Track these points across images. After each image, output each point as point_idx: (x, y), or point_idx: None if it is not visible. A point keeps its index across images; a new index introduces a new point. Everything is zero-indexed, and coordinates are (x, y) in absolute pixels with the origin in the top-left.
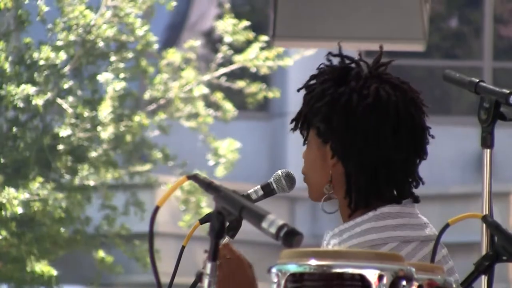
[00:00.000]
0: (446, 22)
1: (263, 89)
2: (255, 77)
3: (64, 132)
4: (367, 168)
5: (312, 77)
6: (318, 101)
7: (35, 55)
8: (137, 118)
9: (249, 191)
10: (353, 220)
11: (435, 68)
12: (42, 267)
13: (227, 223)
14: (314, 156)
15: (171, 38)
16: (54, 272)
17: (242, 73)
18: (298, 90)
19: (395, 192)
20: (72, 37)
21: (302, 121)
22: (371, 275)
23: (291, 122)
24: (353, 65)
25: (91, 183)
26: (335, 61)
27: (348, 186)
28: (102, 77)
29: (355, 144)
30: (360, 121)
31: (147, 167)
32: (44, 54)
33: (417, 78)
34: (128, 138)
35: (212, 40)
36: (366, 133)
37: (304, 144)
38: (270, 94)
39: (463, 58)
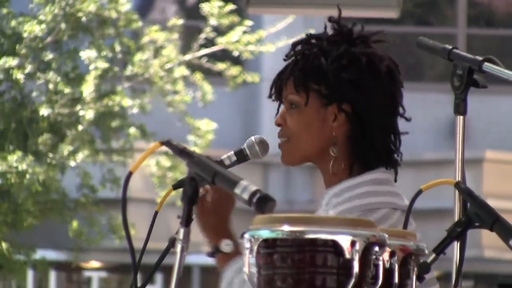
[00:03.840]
0: None
1: (243, 73)
2: (230, 55)
3: (45, 111)
4: (381, 130)
5: (302, 41)
6: (329, 63)
7: (19, 27)
8: (117, 98)
9: (222, 157)
10: (353, 179)
11: (409, 35)
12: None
13: (200, 189)
14: (311, 119)
15: (145, 3)
16: (31, 241)
17: (220, 53)
18: (287, 56)
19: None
20: (55, 10)
21: (297, 85)
22: (344, 241)
23: (277, 87)
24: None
25: (72, 163)
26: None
27: (356, 147)
28: (84, 54)
29: (373, 106)
30: (375, 82)
31: (125, 144)
32: (28, 27)
33: (390, 45)
34: (110, 119)
35: (186, 8)
36: (381, 96)
37: (291, 108)
38: (249, 78)
39: (437, 25)
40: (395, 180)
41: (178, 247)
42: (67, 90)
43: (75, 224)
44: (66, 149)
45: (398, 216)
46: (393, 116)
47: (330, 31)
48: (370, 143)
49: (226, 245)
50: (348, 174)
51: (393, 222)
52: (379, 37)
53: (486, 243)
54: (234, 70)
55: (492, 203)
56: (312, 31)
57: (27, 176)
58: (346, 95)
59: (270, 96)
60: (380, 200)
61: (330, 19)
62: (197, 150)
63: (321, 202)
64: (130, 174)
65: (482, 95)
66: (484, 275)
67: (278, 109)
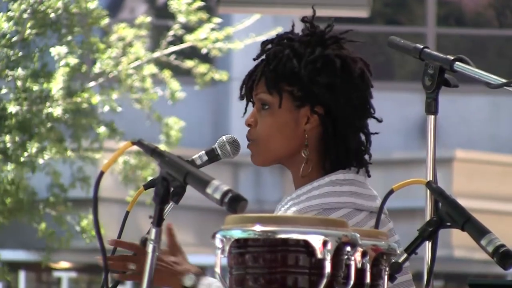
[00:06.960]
0: None
1: (211, 70)
2: (199, 53)
3: (13, 108)
4: (353, 132)
5: (272, 41)
6: (303, 66)
7: None
8: (86, 95)
9: (193, 157)
10: (310, 184)
11: (379, 34)
12: None
13: (172, 189)
14: (283, 120)
15: (114, 3)
16: None
17: (189, 50)
18: (257, 57)
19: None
20: (23, 7)
21: (269, 86)
22: (316, 241)
23: (247, 87)
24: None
25: (41, 161)
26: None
27: (327, 149)
28: (55, 50)
29: (346, 108)
30: (349, 85)
31: (94, 143)
32: None
33: (360, 44)
34: (79, 116)
35: (156, 7)
36: (354, 98)
37: (263, 108)
38: (217, 76)
39: (407, 24)
40: (369, 177)
41: (150, 247)
42: (35, 87)
43: (43, 224)
44: (34, 146)
45: (363, 217)
46: (365, 117)
47: (298, 30)
48: (342, 145)
49: (189, 280)
50: (318, 176)
51: (355, 223)
52: (350, 36)
53: (456, 243)
54: (202, 68)
55: (462, 202)
56: (280, 29)
57: None
58: (320, 97)
59: (241, 97)
60: (340, 200)
61: (304, 19)
62: (167, 148)
63: (277, 206)
64: (101, 173)
65: (451, 94)
66: (454, 275)
67: (246, 109)
